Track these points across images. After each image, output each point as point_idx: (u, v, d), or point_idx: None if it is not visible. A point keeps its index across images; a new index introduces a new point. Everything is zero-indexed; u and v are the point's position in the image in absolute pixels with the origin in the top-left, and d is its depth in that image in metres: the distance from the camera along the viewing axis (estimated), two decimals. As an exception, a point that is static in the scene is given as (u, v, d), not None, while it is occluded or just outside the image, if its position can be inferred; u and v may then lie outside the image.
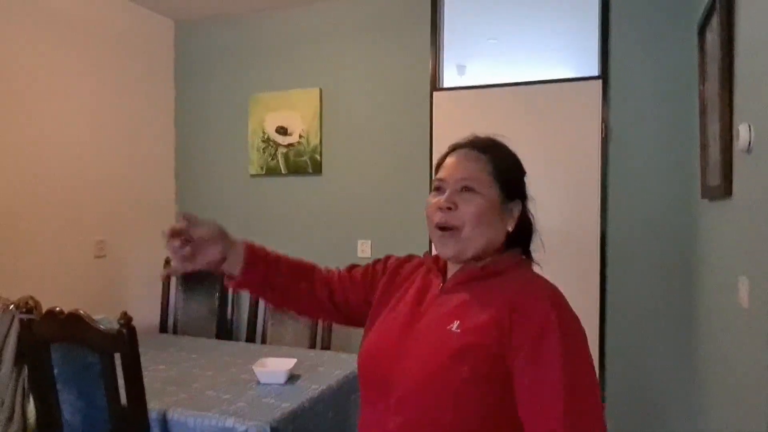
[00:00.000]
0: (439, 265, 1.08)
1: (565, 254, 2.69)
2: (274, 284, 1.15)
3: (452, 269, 1.05)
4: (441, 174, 1.04)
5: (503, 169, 1.02)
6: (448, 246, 1.00)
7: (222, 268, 1.11)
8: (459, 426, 0.90)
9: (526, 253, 1.08)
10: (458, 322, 0.94)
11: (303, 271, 1.18)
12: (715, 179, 1.90)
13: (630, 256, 2.64)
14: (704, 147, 2.10)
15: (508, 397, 0.89)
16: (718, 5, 1.80)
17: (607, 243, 2.67)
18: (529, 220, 1.07)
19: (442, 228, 1.00)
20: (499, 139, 1.07)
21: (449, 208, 0.99)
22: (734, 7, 1.74)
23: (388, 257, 1.21)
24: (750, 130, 1.50)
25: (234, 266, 1.11)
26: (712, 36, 1.94)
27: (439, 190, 1.03)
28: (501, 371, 0.90)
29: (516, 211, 1.04)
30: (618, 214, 2.66)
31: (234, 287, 1.15)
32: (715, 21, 1.87)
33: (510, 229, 1.03)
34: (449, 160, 1.05)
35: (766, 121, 1.38)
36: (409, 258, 1.18)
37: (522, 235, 1.07)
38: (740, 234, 1.64)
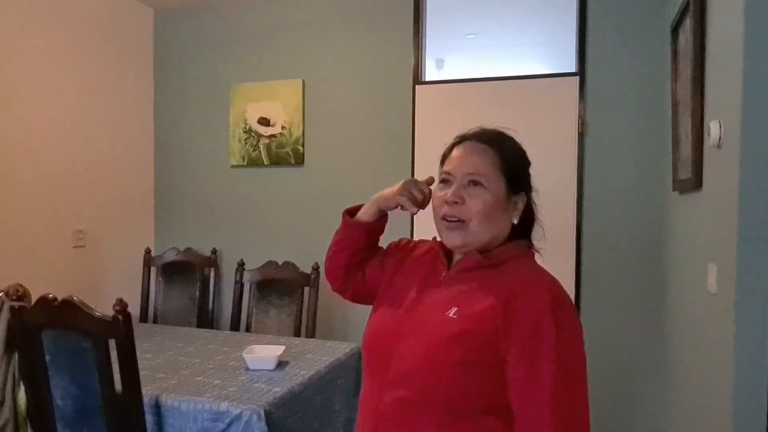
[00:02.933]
0: (444, 250, 1.10)
1: (541, 243, 2.78)
2: (370, 246, 1.23)
3: (457, 255, 1.08)
4: (448, 167, 1.06)
5: (510, 163, 1.05)
6: (454, 237, 1.03)
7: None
8: (450, 406, 0.95)
9: (529, 241, 1.11)
10: (456, 308, 0.98)
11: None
12: (686, 173, 2.01)
13: (604, 245, 2.75)
14: (676, 142, 2.21)
15: (500, 381, 0.94)
16: (691, 7, 1.90)
17: (583, 233, 2.78)
18: (532, 210, 1.11)
19: (449, 219, 1.03)
20: (506, 131, 1.10)
21: (456, 203, 1.01)
22: (706, 9, 1.84)
23: (400, 240, 1.25)
24: (720, 126, 1.60)
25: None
26: (685, 36, 2.04)
27: (446, 182, 1.05)
28: (494, 358, 0.94)
29: (521, 204, 1.07)
30: (593, 206, 2.77)
31: (353, 226, 1.20)
32: (688, 22, 1.97)
33: (515, 221, 1.06)
34: (456, 152, 1.07)
35: (735, 118, 1.48)
36: (422, 242, 1.22)
37: (526, 225, 1.10)
38: (709, 224, 1.75)
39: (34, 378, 1.71)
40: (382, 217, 1.20)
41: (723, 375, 1.54)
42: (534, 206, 1.11)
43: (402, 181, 1.14)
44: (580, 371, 0.94)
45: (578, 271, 2.79)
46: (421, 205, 1.13)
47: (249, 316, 2.99)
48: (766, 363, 1.41)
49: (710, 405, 1.69)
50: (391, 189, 1.15)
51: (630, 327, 2.73)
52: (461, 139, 1.09)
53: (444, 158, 1.10)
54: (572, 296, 2.76)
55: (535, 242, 1.13)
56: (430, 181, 1.15)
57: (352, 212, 1.22)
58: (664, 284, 2.58)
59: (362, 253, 1.22)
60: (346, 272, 1.23)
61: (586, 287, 2.79)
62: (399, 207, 1.14)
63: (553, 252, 2.86)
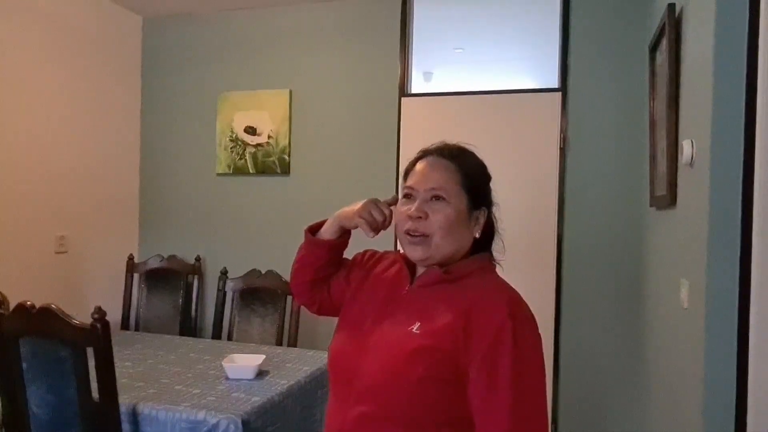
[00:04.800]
0: (408, 263, 1.11)
1: (524, 256, 2.82)
2: (333, 263, 1.22)
3: (420, 269, 1.09)
4: (410, 181, 1.07)
5: (471, 178, 1.06)
6: (416, 251, 1.04)
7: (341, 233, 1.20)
8: (412, 421, 0.96)
9: (490, 254, 1.12)
10: (419, 323, 1.00)
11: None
12: (661, 190, 2.05)
13: (584, 258, 2.80)
14: (653, 159, 2.26)
15: (461, 396, 0.96)
16: (667, 29, 1.95)
17: (564, 246, 2.82)
18: (493, 225, 1.12)
19: (412, 233, 1.04)
20: (468, 147, 1.11)
21: (419, 217, 1.02)
22: (681, 31, 1.89)
23: (365, 252, 1.24)
24: (692, 145, 1.65)
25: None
26: (662, 57, 2.09)
27: (408, 197, 1.06)
28: (455, 373, 0.95)
29: (482, 218, 1.08)
30: (574, 220, 2.81)
31: (316, 245, 1.20)
32: (664, 43, 2.03)
33: (477, 235, 1.08)
34: (419, 167, 1.08)
35: (706, 138, 1.52)
36: (386, 254, 1.22)
37: (487, 238, 1.12)
38: (682, 240, 1.79)
39: (10, 386, 1.70)
40: (344, 234, 1.19)
41: (694, 388, 1.57)
42: (495, 220, 1.12)
43: (364, 201, 1.13)
44: (538, 384, 0.96)
45: (558, 283, 2.83)
46: (382, 226, 1.12)
47: (231, 324, 2.98)
48: (734, 377, 1.44)
49: (682, 416, 1.72)
50: (353, 207, 1.14)
51: (607, 339, 2.77)
52: (423, 154, 1.10)
53: (407, 173, 1.11)
54: (552, 307, 2.81)
55: (496, 255, 1.13)
56: (393, 201, 1.14)
57: (314, 228, 1.21)
58: (641, 297, 2.62)
59: (326, 269, 1.21)
60: (312, 287, 1.23)
61: (566, 299, 2.83)
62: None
63: (534, 264, 2.93)
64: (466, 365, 0.95)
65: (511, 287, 1.04)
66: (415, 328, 1.00)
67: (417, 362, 0.96)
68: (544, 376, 0.98)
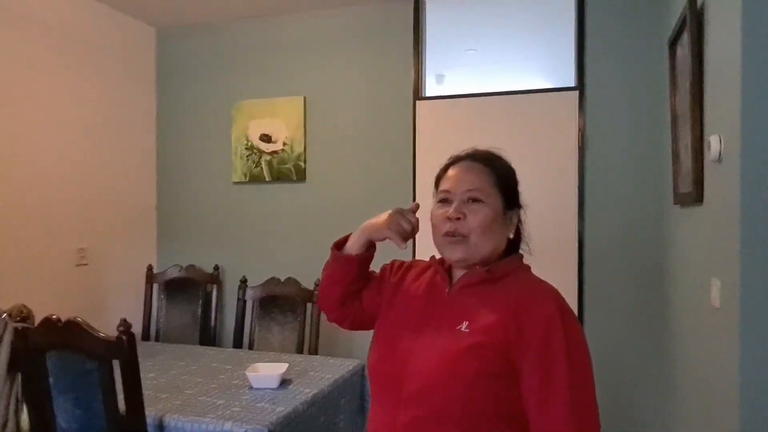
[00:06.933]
0: (444, 267, 1.13)
1: (544, 256, 2.78)
2: (362, 277, 1.23)
3: (457, 272, 1.10)
4: (446, 185, 1.09)
5: (504, 180, 1.09)
6: (456, 252, 1.06)
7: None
8: (467, 419, 0.96)
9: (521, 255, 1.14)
10: (467, 322, 1.01)
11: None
12: (686, 187, 2.01)
13: (606, 258, 2.75)
14: (676, 156, 2.22)
15: (514, 392, 0.96)
16: (688, 22, 1.92)
17: (585, 246, 2.78)
18: (520, 227, 1.15)
19: (451, 235, 1.05)
20: (497, 151, 1.13)
21: (458, 218, 1.04)
22: (703, 24, 1.86)
23: (393, 262, 1.26)
24: (720, 141, 1.61)
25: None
26: (683, 51, 2.06)
27: (445, 201, 1.08)
28: (508, 368, 0.96)
29: (515, 218, 1.11)
30: (595, 219, 2.77)
31: (346, 259, 1.20)
32: (685, 37, 1.99)
33: (511, 236, 1.10)
34: (452, 172, 1.10)
35: (735, 132, 1.48)
36: (416, 262, 1.23)
37: (517, 240, 1.14)
38: (711, 238, 1.75)
39: (38, 399, 1.70)
40: (371, 247, 1.21)
41: (728, 391, 1.53)
42: (521, 222, 1.14)
43: (389, 212, 1.14)
44: (589, 375, 0.98)
45: (581, 284, 2.79)
46: (410, 235, 1.14)
47: (252, 333, 2.98)
48: (771, 378, 1.40)
49: (715, 420, 1.68)
50: (379, 220, 1.15)
51: (633, 341, 2.72)
52: (455, 160, 1.13)
53: (438, 179, 1.13)
54: (575, 308, 2.76)
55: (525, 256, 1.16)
56: (416, 207, 1.17)
57: (339, 244, 1.22)
58: (667, 298, 2.57)
59: (355, 284, 1.22)
60: (342, 303, 1.24)
61: (589, 300, 2.78)
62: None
63: (556, 264, 2.90)
64: (519, 360, 0.96)
65: (551, 284, 1.06)
66: (463, 327, 1.01)
67: (471, 359, 0.97)
68: (592, 365, 0.99)
